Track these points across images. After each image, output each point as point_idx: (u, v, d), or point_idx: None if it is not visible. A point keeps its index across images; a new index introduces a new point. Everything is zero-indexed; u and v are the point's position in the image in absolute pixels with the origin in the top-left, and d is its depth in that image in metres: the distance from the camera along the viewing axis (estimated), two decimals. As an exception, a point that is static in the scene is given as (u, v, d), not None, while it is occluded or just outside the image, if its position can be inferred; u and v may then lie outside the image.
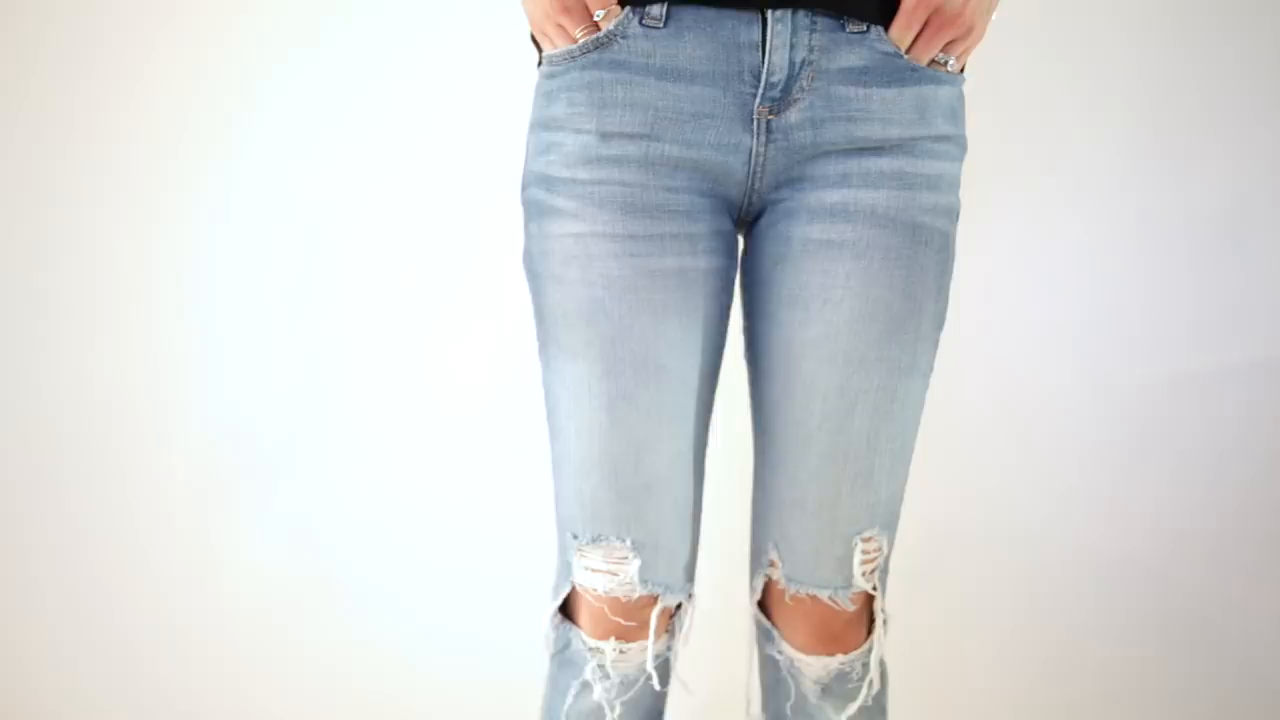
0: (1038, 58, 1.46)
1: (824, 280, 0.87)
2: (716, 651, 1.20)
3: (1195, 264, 1.53)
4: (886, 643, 1.00)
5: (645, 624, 0.94)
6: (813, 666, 0.98)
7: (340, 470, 1.57)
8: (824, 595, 0.95)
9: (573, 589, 0.96)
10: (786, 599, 0.97)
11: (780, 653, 1.00)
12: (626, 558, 0.92)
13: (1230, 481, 1.57)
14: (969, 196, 1.34)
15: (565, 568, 0.97)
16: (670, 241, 0.87)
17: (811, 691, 0.99)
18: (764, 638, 1.03)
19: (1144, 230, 1.52)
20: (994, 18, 0.90)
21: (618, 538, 0.91)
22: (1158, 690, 1.60)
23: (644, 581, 0.92)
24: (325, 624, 1.58)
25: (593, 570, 0.93)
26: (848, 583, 0.94)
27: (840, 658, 0.97)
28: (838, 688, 0.98)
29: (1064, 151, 1.50)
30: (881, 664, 1.00)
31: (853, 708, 0.98)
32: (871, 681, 0.98)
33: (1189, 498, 1.58)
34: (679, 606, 0.98)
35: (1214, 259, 1.52)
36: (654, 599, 0.94)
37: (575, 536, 0.93)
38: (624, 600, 0.93)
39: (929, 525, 1.50)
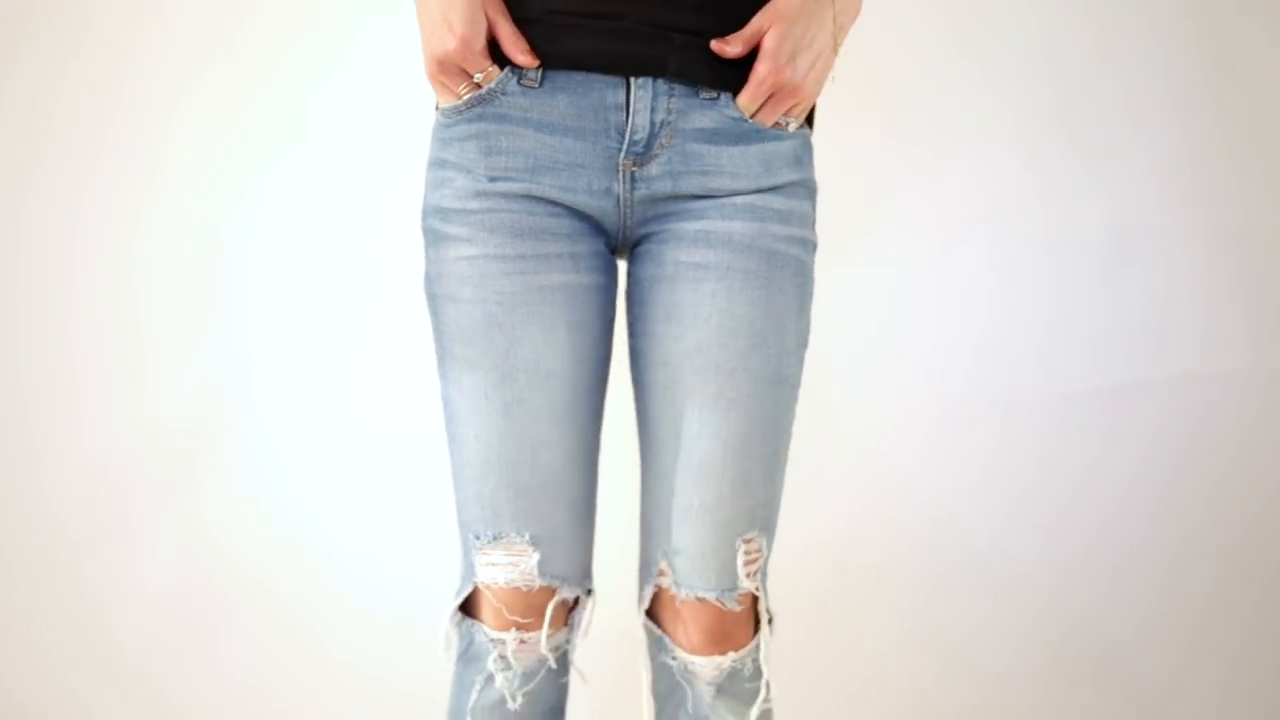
0: (934, 88, 1.60)
1: (694, 298, 0.97)
2: (616, 652, 1.24)
3: (1083, 286, 1.62)
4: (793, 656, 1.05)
5: (543, 615, 1.03)
6: (705, 667, 1.03)
7: (234, 492, 1.59)
8: (711, 597, 1.01)
9: (475, 590, 1.04)
10: (676, 604, 1.03)
11: (674, 658, 1.06)
12: (526, 552, 1.00)
13: (1127, 499, 1.65)
14: (870, 215, 1.38)
15: (468, 569, 1.04)
16: (555, 260, 0.98)
17: (706, 693, 1.05)
18: (655, 646, 1.08)
19: (1035, 254, 1.62)
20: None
21: (517, 533, 1.00)
22: (1056, 709, 1.66)
23: (543, 573, 1.01)
24: (217, 649, 1.60)
25: (493, 565, 1.01)
26: (733, 584, 1.00)
27: (731, 655, 1.03)
28: (731, 687, 1.04)
29: (958, 178, 1.60)
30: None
31: (754, 710, 1.04)
32: (768, 682, 1.03)
33: (1087, 514, 1.65)
34: (576, 602, 1.07)
35: (1101, 281, 1.62)
36: (552, 591, 1.03)
37: (477, 538, 1.01)
38: (524, 591, 1.01)
39: (832, 536, 1.60)
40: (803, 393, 1.04)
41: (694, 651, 1.04)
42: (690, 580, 1.01)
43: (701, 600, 1.02)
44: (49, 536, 1.58)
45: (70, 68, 1.51)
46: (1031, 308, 1.64)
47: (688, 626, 1.03)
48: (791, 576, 1.23)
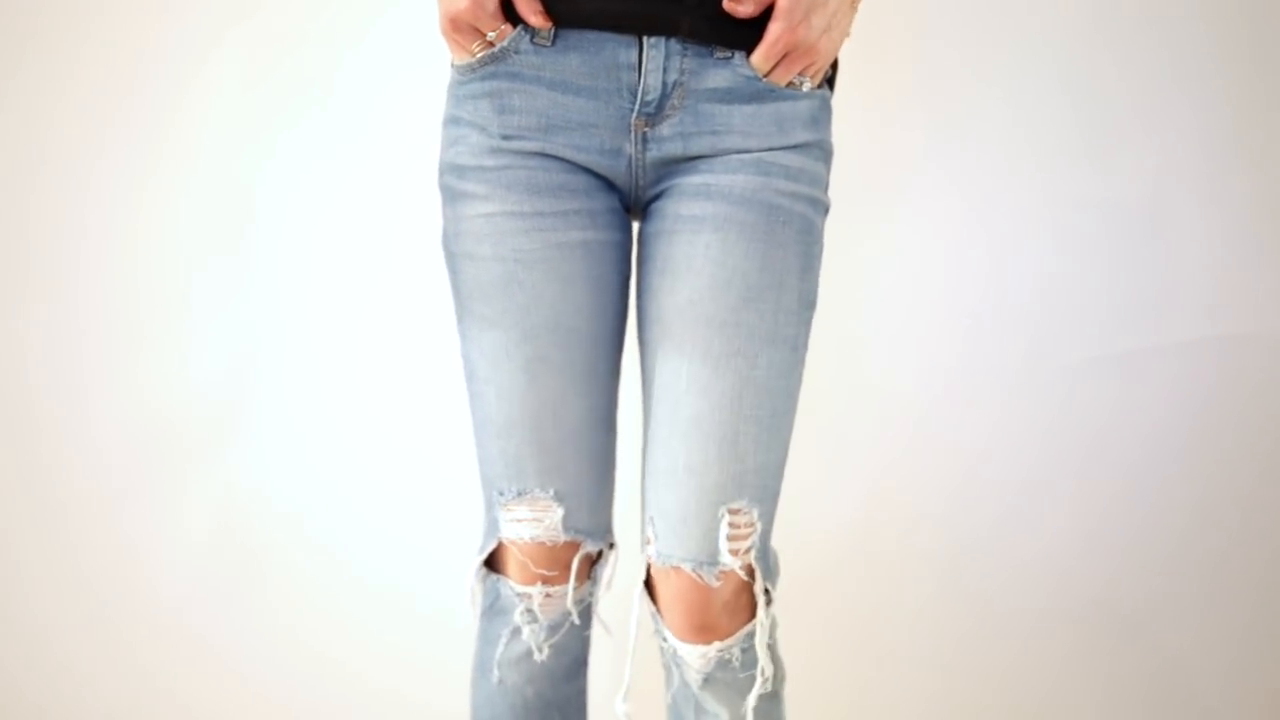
0: (961, 43, 1.58)
1: (688, 251, 0.96)
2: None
3: (1116, 249, 1.59)
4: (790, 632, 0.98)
5: (569, 570, 1.05)
6: (691, 655, 0.99)
7: (266, 453, 1.62)
8: (688, 568, 0.95)
9: (499, 545, 1.06)
10: (656, 574, 0.99)
11: (665, 640, 1.02)
12: (550, 507, 1.02)
13: (1150, 465, 1.62)
14: (902, 176, 1.38)
15: (492, 524, 1.06)
16: (573, 217, 0.98)
17: (694, 681, 1.01)
18: (654, 622, 1.03)
19: (1066, 216, 1.58)
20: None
21: (541, 489, 1.01)
22: (1073, 679, 1.66)
23: (567, 528, 1.03)
24: (250, 607, 1.63)
25: (518, 521, 1.03)
26: (713, 558, 0.95)
27: (717, 645, 0.97)
28: (720, 676, 0.99)
29: (990, 138, 1.57)
30: (774, 651, 1.00)
31: (750, 699, 0.98)
32: (764, 669, 0.97)
33: (1109, 480, 1.63)
34: (600, 555, 1.09)
35: (1134, 244, 1.58)
36: (576, 545, 1.04)
37: (501, 493, 1.03)
38: (549, 545, 1.03)
39: (848, 507, 1.59)
40: (824, 360, 1.02)
41: (679, 637, 0.99)
42: (669, 547, 0.97)
43: (678, 570, 0.96)
44: (87, 489, 1.60)
45: (95, 32, 1.51)
46: (1072, 269, 1.60)
47: (672, 606, 0.99)
48: (808, 551, 1.22)
